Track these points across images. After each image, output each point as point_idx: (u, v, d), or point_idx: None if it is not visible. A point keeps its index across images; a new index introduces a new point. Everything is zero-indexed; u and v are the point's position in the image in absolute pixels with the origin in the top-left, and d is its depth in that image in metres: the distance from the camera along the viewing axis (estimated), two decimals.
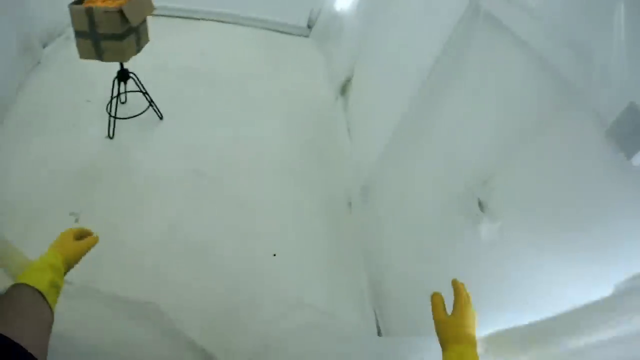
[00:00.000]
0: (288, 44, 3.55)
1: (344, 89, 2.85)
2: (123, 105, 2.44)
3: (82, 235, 0.89)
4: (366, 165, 1.98)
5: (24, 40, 2.62)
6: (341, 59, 2.96)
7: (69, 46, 2.47)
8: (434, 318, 0.82)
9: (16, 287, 0.67)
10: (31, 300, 0.66)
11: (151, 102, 2.31)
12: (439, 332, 0.79)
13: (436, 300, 0.83)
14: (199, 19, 3.60)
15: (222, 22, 3.60)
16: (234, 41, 3.44)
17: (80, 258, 0.84)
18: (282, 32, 3.64)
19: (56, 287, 0.72)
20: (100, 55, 1.89)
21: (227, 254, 1.84)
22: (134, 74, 2.17)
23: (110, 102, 2.20)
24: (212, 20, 3.60)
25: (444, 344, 0.77)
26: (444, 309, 0.82)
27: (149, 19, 1.96)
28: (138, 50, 1.97)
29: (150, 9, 1.90)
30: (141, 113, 2.33)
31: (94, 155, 2.18)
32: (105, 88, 2.19)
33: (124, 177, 2.11)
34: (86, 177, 2.06)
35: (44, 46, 2.87)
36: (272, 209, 2.09)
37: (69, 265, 0.80)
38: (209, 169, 2.21)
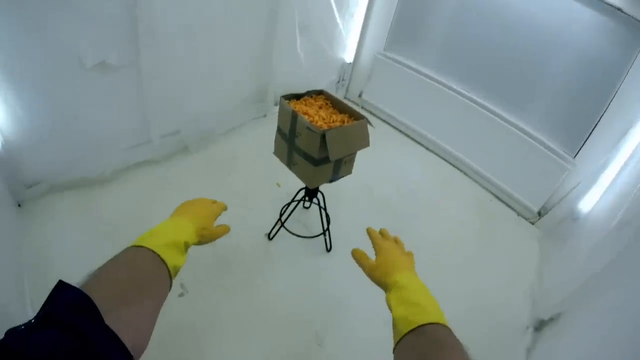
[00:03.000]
0: (508, 222, 2.83)
1: (540, 326, 1.96)
2: (305, 210, 2.24)
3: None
4: None
5: (259, 90, 2.86)
6: (558, 281, 2.10)
7: None
8: (364, 271, 0.85)
9: (147, 254, 0.59)
10: (161, 279, 0.59)
11: (326, 231, 2.01)
12: (375, 279, 0.81)
13: (357, 255, 0.88)
14: (431, 151, 3.29)
15: (452, 164, 3.20)
16: (452, 190, 2.96)
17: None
18: (507, 204, 2.96)
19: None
20: (288, 164, 1.67)
21: None
22: (322, 196, 1.92)
23: (287, 205, 2.01)
24: (442, 158, 3.24)
25: (384, 285, 0.78)
26: (368, 258, 0.87)
27: (374, 128, 1.63)
28: (332, 180, 1.66)
29: (362, 143, 1.54)
30: (311, 237, 2.05)
31: (242, 240, 1.99)
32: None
33: (249, 288, 1.83)
34: (220, 258, 1.88)
35: (276, 104, 3.04)
36: None
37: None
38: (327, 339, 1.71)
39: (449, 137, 3.17)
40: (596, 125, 2.49)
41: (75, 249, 1.73)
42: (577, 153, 2.62)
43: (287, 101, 1.62)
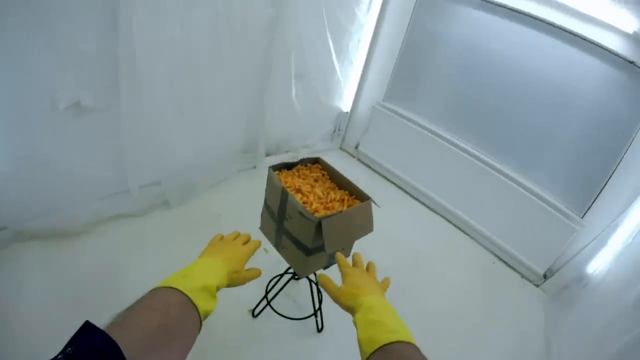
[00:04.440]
0: (511, 285, 2.63)
1: None
2: (294, 282, 2.00)
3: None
4: None
5: (249, 139, 2.69)
6: (569, 355, 1.93)
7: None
8: (330, 295, 0.81)
9: (179, 298, 0.57)
10: (192, 326, 0.57)
11: (317, 312, 1.77)
12: (342, 303, 0.78)
13: (323, 280, 0.84)
14: (430, 209, 3.09)
15: (453, 223, 3.00)
16: (452, 251, 2.75)
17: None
18: (510, 266, 2.77)
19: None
20: (276, 246, 1.43)
21: None
22: (314, 274, 1.69)
23: (278, 279, 1.78)
24: (442, 216, 3.04)
25: (351, 309, 0.75)
26: (334, 283, 0.82)
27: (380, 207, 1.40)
28: (327, 267, 1.43)
29: (365, 230, 1.31)
30: (301, 319, 1.81)
31: (223, 315, 1.71)
32: None
33: None
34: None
35: (267, 155, 2.86)
36: None
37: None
38: None
39: (449, 195, 2.98)
40: (605, 184, 2.34)
41: (37, 313, 1.52)
42: (585, 213, 2.46)
43: (277, 172, 1.40)
